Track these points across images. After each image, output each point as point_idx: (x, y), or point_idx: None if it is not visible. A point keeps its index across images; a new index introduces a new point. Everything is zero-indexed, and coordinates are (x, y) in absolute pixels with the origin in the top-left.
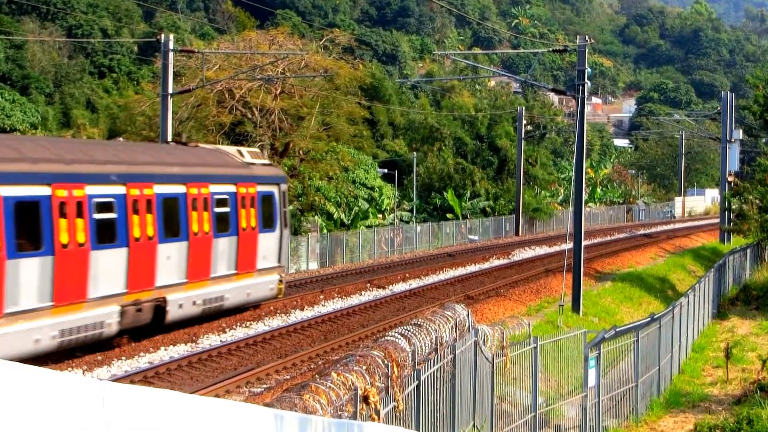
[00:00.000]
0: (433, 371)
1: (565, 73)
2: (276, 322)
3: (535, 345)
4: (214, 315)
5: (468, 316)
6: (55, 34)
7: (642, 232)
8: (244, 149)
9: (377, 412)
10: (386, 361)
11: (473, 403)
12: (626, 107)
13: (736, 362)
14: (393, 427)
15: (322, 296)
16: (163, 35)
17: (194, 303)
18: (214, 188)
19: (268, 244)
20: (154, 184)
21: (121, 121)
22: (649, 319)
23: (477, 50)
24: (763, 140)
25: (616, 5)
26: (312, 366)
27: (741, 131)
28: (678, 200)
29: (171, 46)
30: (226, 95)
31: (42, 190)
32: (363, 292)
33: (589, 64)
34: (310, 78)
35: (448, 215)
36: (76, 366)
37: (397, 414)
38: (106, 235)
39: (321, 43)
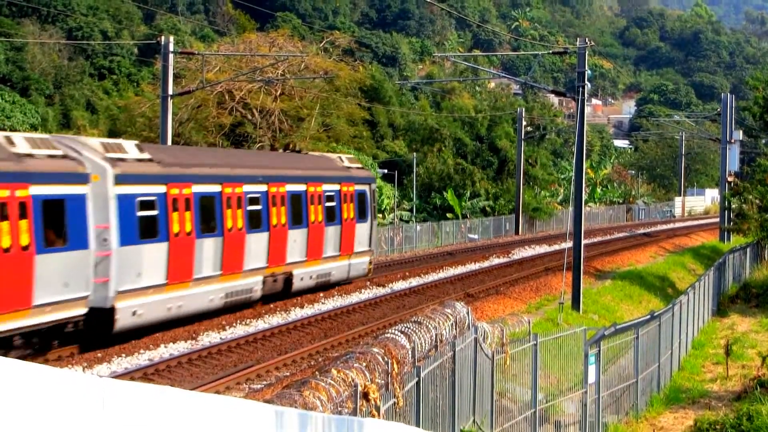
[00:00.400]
0: (433, 368)
1: (565, 75)
2: (276, 319)
3: (535, 342)
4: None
5: (468, 313)
6: (55, 36)
7: (642, 231)
8: (342, 155)
9: (377, 409)
10: (386, 358)
11: (473, 399)
12: (626, 109)
13: (736, 359)
14: (393, 423)
15: (321, 294)
16: (163, 37)
17: (311, 277)
18: (325, 187)
19: (362, 232)
20: (286, 184)
21: (121, 122)
22: (649, 316)
23: (477, 52)
24: (763, 141)
25: (616, 8)
26: (312, 363)
27: (741, 132)
28: (678, 200)
29: (171, 48)
30: (226, 97)
31: (216, 188)
32: (363, 290)
33: (589, 66)
34: (310, 80)
35: (448, 215)
36: (76, 363)
37: (397, 410)
38: (255, 222)
39: (321, 45)
